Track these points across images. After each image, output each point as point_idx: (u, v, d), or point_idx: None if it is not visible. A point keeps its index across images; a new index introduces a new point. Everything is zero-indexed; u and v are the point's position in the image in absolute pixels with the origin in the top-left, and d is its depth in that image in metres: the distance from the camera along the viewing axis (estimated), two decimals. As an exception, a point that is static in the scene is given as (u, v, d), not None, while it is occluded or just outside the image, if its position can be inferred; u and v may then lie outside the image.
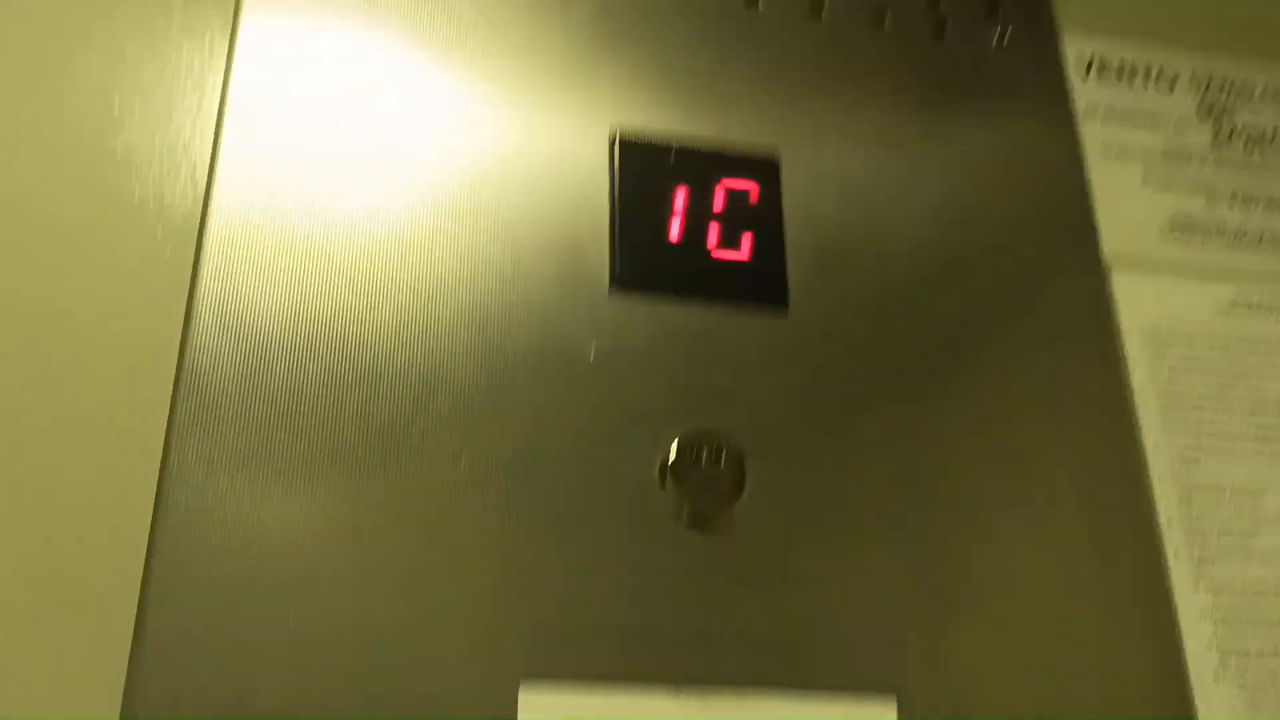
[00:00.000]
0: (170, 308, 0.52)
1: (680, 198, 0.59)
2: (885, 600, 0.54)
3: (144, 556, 0.47)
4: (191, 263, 0.52)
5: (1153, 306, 0.66)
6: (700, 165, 0.61)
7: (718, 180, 0.60)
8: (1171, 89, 0.74)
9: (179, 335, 0.51)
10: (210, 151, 0.56)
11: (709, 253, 0.58)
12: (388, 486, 0.50)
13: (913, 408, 0.59)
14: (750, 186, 0.61)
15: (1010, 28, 0.71)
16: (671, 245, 0.58)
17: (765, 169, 0.62)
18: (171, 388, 0.50)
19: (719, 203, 0.60)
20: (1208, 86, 0.75)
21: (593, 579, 0.51)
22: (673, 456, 0.53)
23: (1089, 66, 0.73)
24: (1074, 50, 0.73)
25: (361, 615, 0.48)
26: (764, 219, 0.60)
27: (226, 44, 0.59)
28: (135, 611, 0.46)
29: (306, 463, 0.50)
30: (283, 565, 0.48)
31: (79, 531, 0.48)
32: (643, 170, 0.60)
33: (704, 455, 0.54)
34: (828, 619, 0.53)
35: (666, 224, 0.59)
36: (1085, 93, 0.72)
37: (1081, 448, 0.60)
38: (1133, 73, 0.74)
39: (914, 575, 0.55)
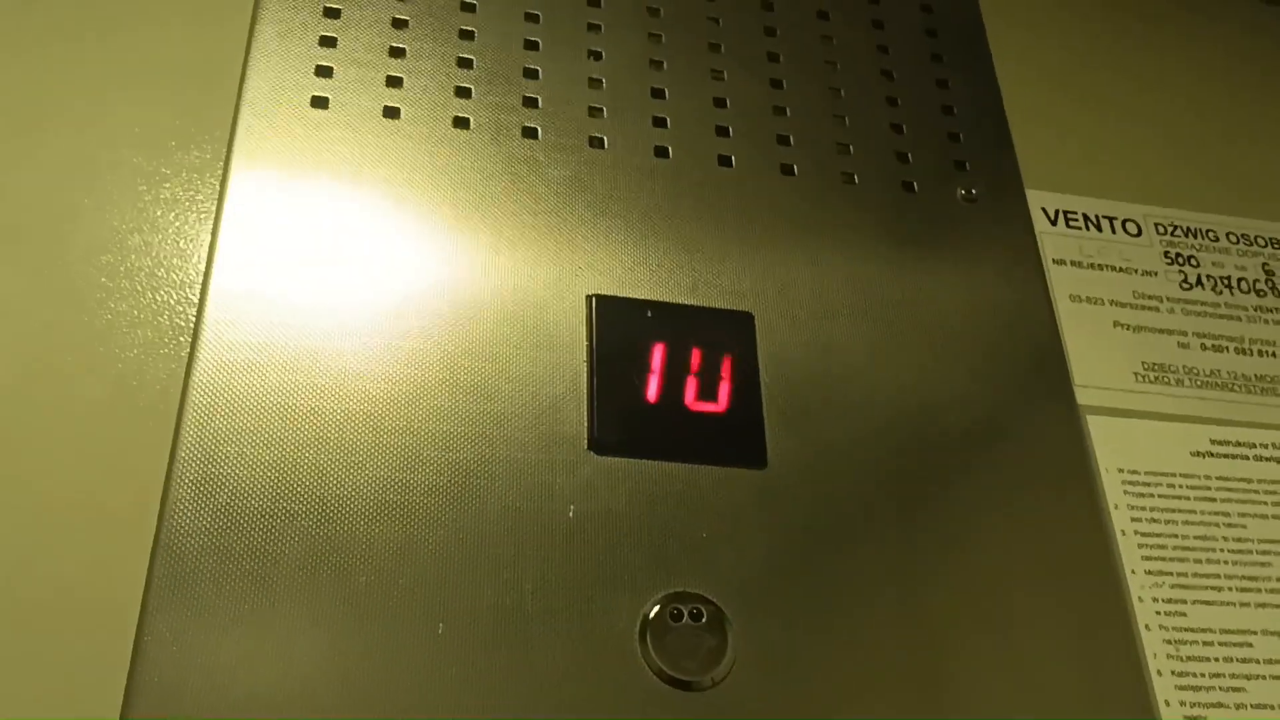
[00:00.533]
0: (150, 476, 0.53)
1: (658, 355, 0.60)
2: (873, 761, 0.53)
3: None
4: (172, 431, 0.53)
5: (1130, 450, 0.67)
6: (678, 323, 0.62)
7: (695, 337, 0.61)
8: (1137, 237, 0.76)
9: (157, 506, 0.51)
10: (194, 319, 0.57)
11: (686, 408, 0.59)
12: (365, 655, 0.49)
13: (895, 562, 0.59)
14: (727, 342, 0.62)
15: (977, 182, 0.73)
16: (649, 405, 0.59)
17: (741, 326, 0.63)
18: (149, 560, 0.50)
19: (696, 360, 0.61)
20: (1171, 233, 0.77)
21: (574, 746, 0.50)
22: (653, 616, 0.53)
23: (1055, 217, 0.75)
24: (1040, 202, 0.76)
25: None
26: (740, 374, 0.61)
27: (212, 216, 0.61)
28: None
29: (284, 630, 0.49)
30: (257, 741, 0.47)
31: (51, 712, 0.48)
32: (620, 328, 0.61)
33: (684, 615, 0.54)
34: (815, 783, 0.52)
35: (645, 382, 0.59)
36: (1052, 242, 0.74)
37: (1067, 599, 0.60)
38: (1098, 224, 0.76)
39: (901, 734, 0.54)
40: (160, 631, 0.48)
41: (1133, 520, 0.65)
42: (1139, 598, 0.62)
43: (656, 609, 0.54)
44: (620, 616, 0.53)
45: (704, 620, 0.54)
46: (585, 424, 0.58)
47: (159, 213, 0.62)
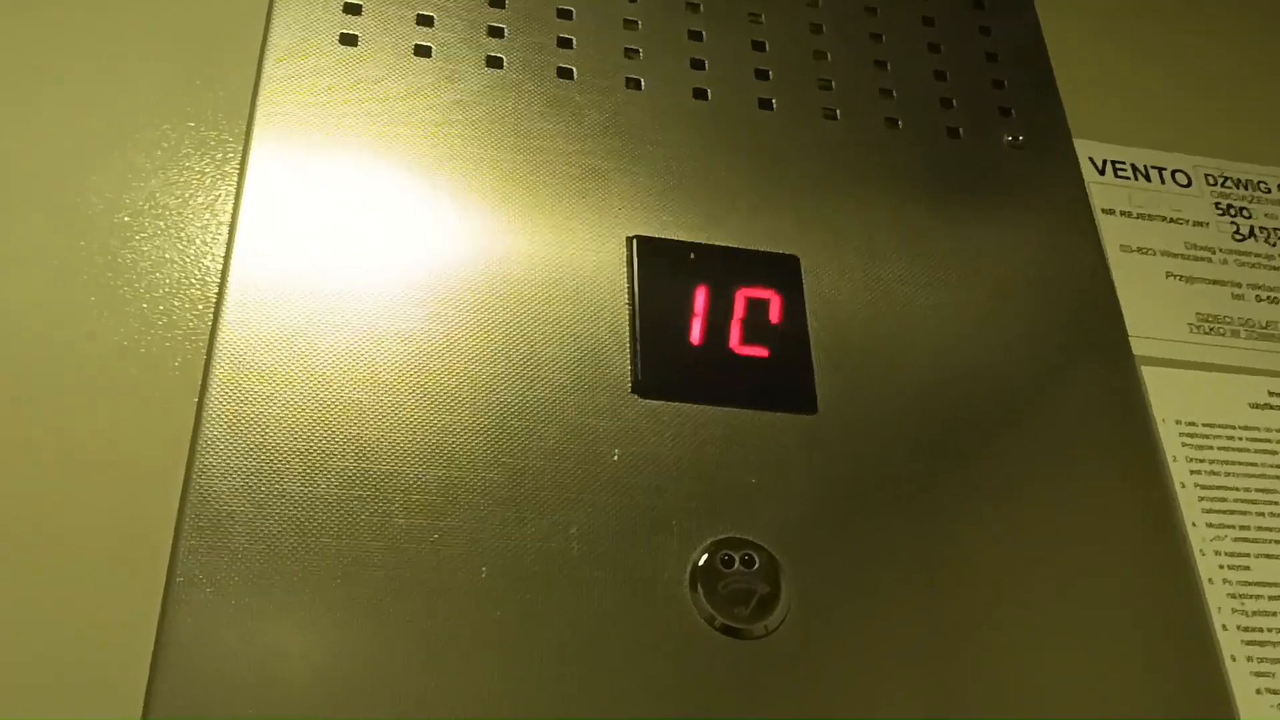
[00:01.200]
0: (179, 418, 0.50)
1: (701, 298, 0.58)
2: (924, 709, 0.51)
3: (146, 680, 0.44)
4: (201, 372, 0.51)
5: (1187, 401, 0.65)
6: (721, 265, 0.60)
7: (739, 280, 0.59)
8: (1187, 188, 0.74)
9: (187, 447, 0.49)
10: (221, 261, 0.55)
11: (732, 351, 0.57)
12: (405, 600, 0.47)
13: (948, 511, 0.56)
14: (772, 285, 0.60)
15: (1023, 129, 0.71)
16: (693, 348, 0.57)
17: (786, 268, 0.60)
18: (179, 502, 0.47)
19: (740, 303, 0.59)
20: (1222, 184, 0.75)
21: (621, 694, 0.48)
22: (702, 562, 0.51)
23: (1104, 167, 0.73)
24: (1087, 151, 0.73)
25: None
26: (787, 317, 0.59)
27: (239, 158, 0.59)
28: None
29: (320, 576, 0.47)
30: (293, 686, 0.45)
31: (79, 655, 0.46)
32: (662, 271, 0.59)
33: (736, 562, 0.51)
34: (873, 736, 0.50)
35: (688, 326, 0.57)
36: (1101, 191, 0.72)
37: (1125, 551, 0.58)
38: (1147, 174, 0.74)
39: (954, 689, 0.52)
40: (193, 574, 0.46)
41: (1192, 473, 0.62)
42: (1200, 551, 0.60)
43: (706, 556, 0.51)
44: (669, 563, 0.51)
45: (756, 567, 0.52)
46: (628, 367, 0.56)
47: (185, 150, 0.60)
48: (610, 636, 0.49)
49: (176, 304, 0.55)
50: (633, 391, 0.55)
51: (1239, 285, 0.71)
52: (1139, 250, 0.70)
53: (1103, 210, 0.71)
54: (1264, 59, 0.82)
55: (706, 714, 0.49)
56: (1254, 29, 0.84)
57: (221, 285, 0.53)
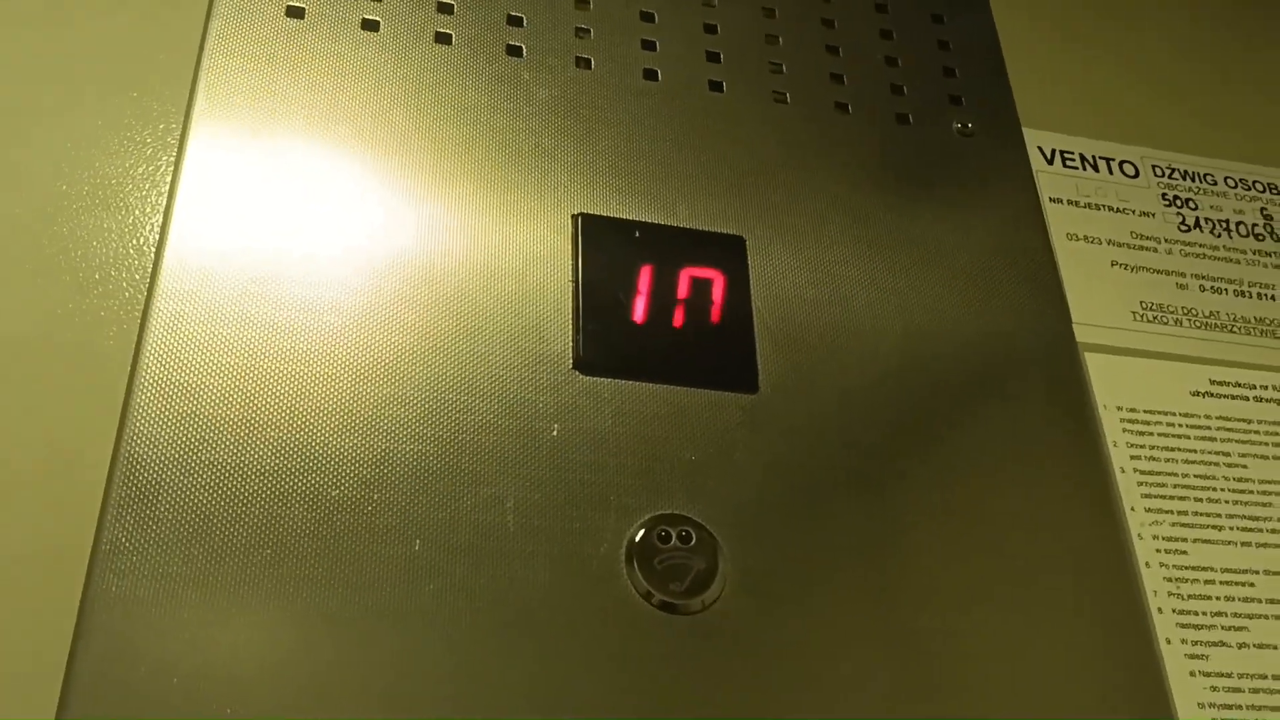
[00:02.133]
0: (112, 387, 0.50)
1: (645, 277, 0.58)
2: (864, 688, 0.51)
3: (69, 648, 0.43)
4: (135, 339, 0.50)
5: (1129, 388, 0.65)
6: (666, 244, 0.60)
7: (684, 259, 0.59)
8: (1134, 179, 0.74)
9: (118, 416, 0.48)
10: (159, 231, 0.54)
11: (674, 330, 0.57)
12: (336, 572, 0.47)
13: (888, 492, 0.57)
14: (717, 265, 0.60)
15: (973, 117, 0.71)
16: (636, 326, 0.57)
17: (732, 249, 0.60)
18: (108, 468, 0.47)
19: (685, 282, 0.59)
20: (1169, 176, 0.75)
21: (555, 668, 0.48)
22: (639, 538, 0.51)
23: (1052, 156, 0.74)
24: (1036, 141, 0.74)
25: (311, 709, 0.44)
26: (731, 298, 0.59)
27: (180, 129, 0.58)
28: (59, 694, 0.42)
29: (250, 546, 0.46)
30: (220, 655, 0.44)
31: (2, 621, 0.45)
32: (607, 249, 0.59)
33: (673, 538, 0.51)
34: (805, 708, 0.50)
35: (631, 303, 0.57)
36: (1049, 181, 0.72)
37: (1064, 533, 0.58)
38: (1095, 164, 0.74)
39: (894, 664, 0.52)
40: (119, 541, 0.45)
41: (1132, 458, 0.63)
42: (1138, 535, 0.60)
43: (643, 531, 0.51)
44: (606, 538, 0.51)
45: (693, 544, 0.51)
46: (570, 344, 0.55)
47: (127, 120, 0.59)
48: (545, 609, 0.49)
49: (113, 274, 0.55)
50: (574, 368, 0.55)
51: (1183, 275, 0.71)
52: (1085, 239, 0.71)
53: (1050, 199, 0.72)
54: (1214, 53, 0.83)
55: (641, 687, 0.48)
56: (1204, 23, 0.85)
57: (158, 255, 0.52)
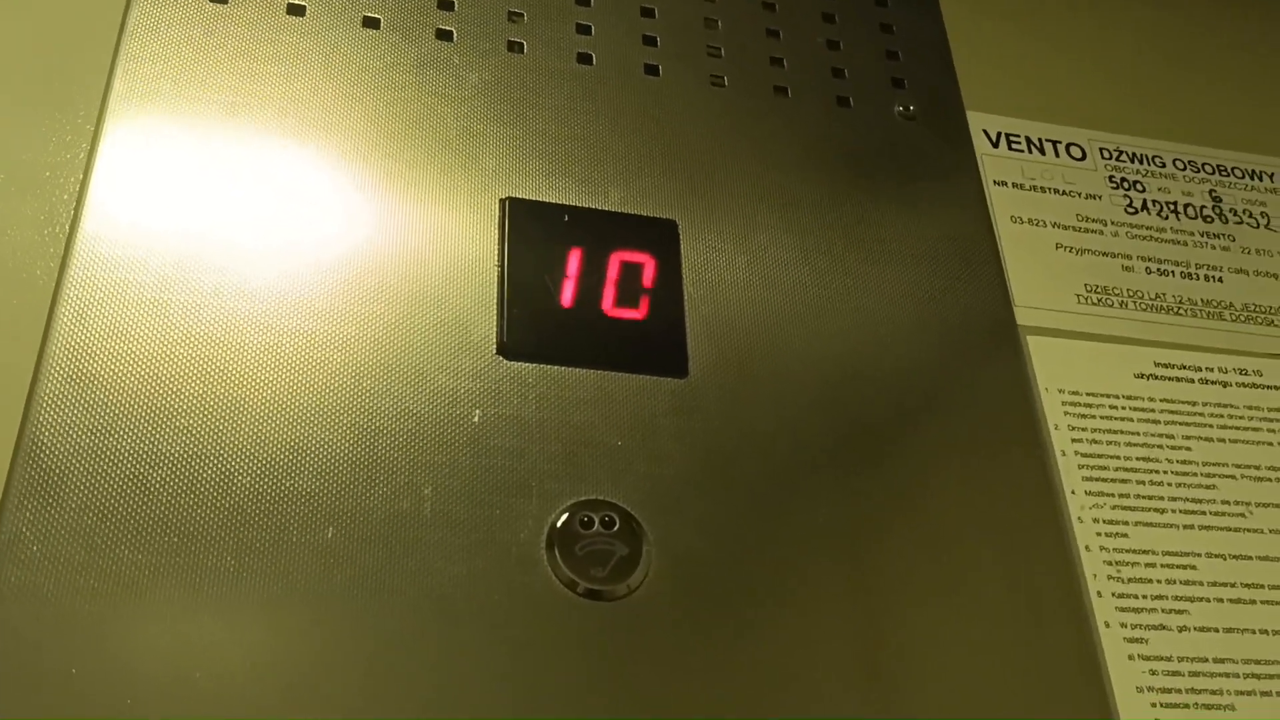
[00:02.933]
0: (18, 369, 0.49)
1: (574, 261, 0.57)
2: (792, 675, 0.50)
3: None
4: (44, 326, 0.49)
5: (1071, 371, 0.64)
6: (596, 229, 0.59)
7: (614, 244, 0.58)
8: (1080, 161, 0.74)
9: (23, 400, 0.47)
10: (72, 213, 0.53)
11: (603, 314, 0.56)
12: (246, 562, 0.46)
13: (821, 476, 0.56)
14: (649, 250, 0.59)
15: (915, 100, 0.70)
16: (564, 310, 0.56)
17: (664, 233, 0.60)
18: (10, 457, 0.46)
19: (615, 266, 0.58)
20: (1116, 158, 0.75)
21: (471, 657, 0.47)
22: (560, 524, 0.50)
23: (997, 139, 0.73)
24: (981, 124, 0.73)
25: (218, 703, 0.43)
26: (661, 282, 0.58)
27: (96, 115, 0.57)
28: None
29: (159, 534, 0.45)
30: (127, 646, 0.43)
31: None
32: (535, 234, 0.58)
33: (595, 523, 0.50)
34: (730, 699, 0.49)
35: (559, 287, 0.56)
36: (994, 164, 0.72)
37: (1003, 516, 0.57)
38: (1041, 147, 0.74)
39: (822, 650, 0.51)
40: (20, 531, 0.44)
41: (1074, 441, 0.62)
42: (1079, 518, 0.59)
43: (565, 517, 0.50)
44: (527, 524, 0.50)
45: (616, 529, 0.51)
46: (495, 330, 0.55)
47: (45, 106, 0.58)
48: (462, 597, 0.48)
49: (28, 262, 0.54)
50: (498, 354, 0.54)
51: (1129, 257, 0.71)
52: (1030, 222, 0.70)
53: (995, 182, 0.71)
54: (1160, 35, 0.83)
55: (560, 675, 0.47)
56: (1151, 6, 0.84)
57: (68, 243, 0.51)
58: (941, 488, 0.57)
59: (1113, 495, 0.61)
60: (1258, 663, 0.58)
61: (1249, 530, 0.62)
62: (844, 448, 0.57)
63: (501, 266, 0.56)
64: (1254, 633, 0.59)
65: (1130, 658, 0.56)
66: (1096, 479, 0.61)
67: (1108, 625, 0.57)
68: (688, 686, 0.49)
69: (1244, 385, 0.67)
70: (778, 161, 0.66)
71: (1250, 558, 0.61)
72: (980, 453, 0.59)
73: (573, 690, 0.47)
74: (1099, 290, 0.68)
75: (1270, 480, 0.64)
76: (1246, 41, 0.85)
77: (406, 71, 0.61)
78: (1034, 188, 0.72)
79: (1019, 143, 0.73)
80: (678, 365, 0.56)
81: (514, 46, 0.64)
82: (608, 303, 0.57)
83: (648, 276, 0.58)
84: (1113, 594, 0.58)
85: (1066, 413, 0.63)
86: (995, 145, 0.73)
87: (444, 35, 0.63)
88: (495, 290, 0.56)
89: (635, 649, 0.49)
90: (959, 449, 0.59)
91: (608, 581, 0.49)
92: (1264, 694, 0.57)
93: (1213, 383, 0.66)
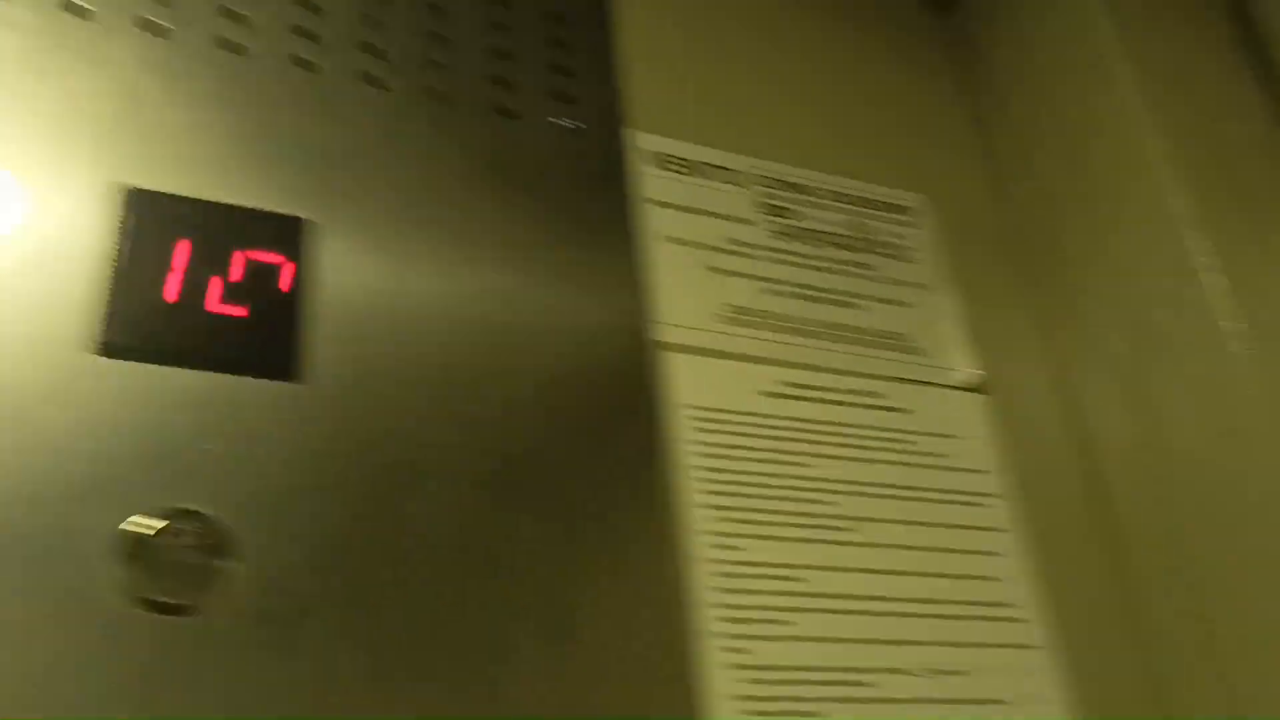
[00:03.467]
0: None
1: (182, 254, 0.55)
2: (394, 696, 0.50)
3: None
4: None
5: (704, 388, 0.67)
6: (214, 222, 0.57)
7: (234, 239, 0.56)
8: (735, 186, 0.77)
9: None
10: None
11: (207, 311, 0.54)
12: None
13: (439, 487, 0.56)
14: (271, 247, 0.57)
15: (578, 115, 0.71)
16: (168, 306, 0.54)
17: (289, 231, 0.58)
18: None
19: (234, 262, 0.56)
20: (770, 185, 0.78)
21: (33, 675, 0.44)
22: (139, 534, 0.48)
23: (657, 160, 0.75)
24: (643, 143, 0.75)
25: None
26: (281, 281, 0.57)
27: None
28: None
29: None
30: None
31: None
32: (149, 226, 0.55)
33: (180, 534, 0.49)
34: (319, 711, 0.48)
35: (164, 281, 0.54)
36: (652, 183, 0.74)
37: (617, 526, 0.59)
38: (698, 170, 0.76)
39: (419, 659, 0.51)
40: None
41: (699, 456, 0.64)
42: (696, 531, 0.62)
43: (145, 527, 0.48)
44: (97, 535, 0.47)
45: (202, 540, 0.49)
46: (94, 326, 0.52)
47: None
48: (22, 613, 0.45)
49: None
50: (95, 351, 0.51)
51: (775, 281, 0.74)
52: (682, 242, 0.72)
53: (651, 201, 0.73)
54: (825, 66, 0.87)
55: (129, 692, 0.45)
56: (819, 38, 0.88)
57: None
58: (559, 496, 0.58)
59: (730, 509, 0.63)
60: (851, 670, 0.62)
61: (856, 544, 0.66)
62: (468, 457, 0.57)
63: (115, 261, 0.53)
64: (851, 642, 0.63)
65: (729, 667, 0.59)
66: (716, 493, 0.64)
67: (712, 635, 0.59)
68: (268, 707, 0.47)
69: (865, 406, 0.71)
70: (430, 167, 0.65)
71: (855, 570, 0.65)
72: (603, 464, 0.60)
73: (140, 708, 0.45)
74: (739, 310, 0.71)
75: (880, 497, 0.68)
76: (899, 86, 0.91)
77: (29, 53, 0.57)
78: (688, 209, 0.74)
79: (678, 165, 0.76)
80: (286, 368, 0.55)
81: (154, 29, 0.61)
82: (212, 299, 0.55)
83: (267, 275, 0.56)
84: (720, 605, 0.60)
85: (696, 429, 0.65)
86: (656, 166, 0.75)
87: (75, 10, 0.60)
88: (104, 282, 0.53)
89: (211, 666, 0.47)
90: (581, 461, 0.60)
91: (185, 595, 0.48)
92: (854, 700, 0.61)
93: (833, 403, 0.70)
